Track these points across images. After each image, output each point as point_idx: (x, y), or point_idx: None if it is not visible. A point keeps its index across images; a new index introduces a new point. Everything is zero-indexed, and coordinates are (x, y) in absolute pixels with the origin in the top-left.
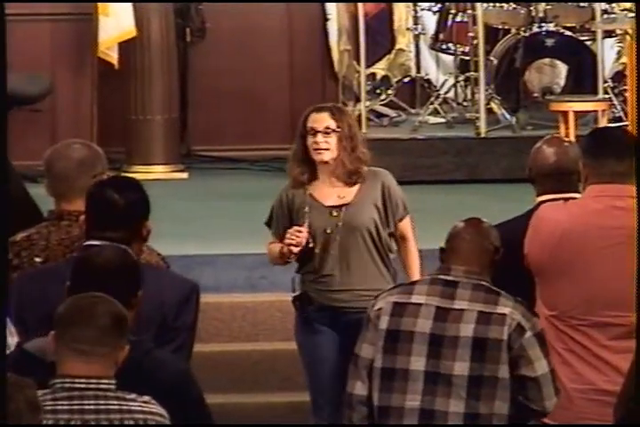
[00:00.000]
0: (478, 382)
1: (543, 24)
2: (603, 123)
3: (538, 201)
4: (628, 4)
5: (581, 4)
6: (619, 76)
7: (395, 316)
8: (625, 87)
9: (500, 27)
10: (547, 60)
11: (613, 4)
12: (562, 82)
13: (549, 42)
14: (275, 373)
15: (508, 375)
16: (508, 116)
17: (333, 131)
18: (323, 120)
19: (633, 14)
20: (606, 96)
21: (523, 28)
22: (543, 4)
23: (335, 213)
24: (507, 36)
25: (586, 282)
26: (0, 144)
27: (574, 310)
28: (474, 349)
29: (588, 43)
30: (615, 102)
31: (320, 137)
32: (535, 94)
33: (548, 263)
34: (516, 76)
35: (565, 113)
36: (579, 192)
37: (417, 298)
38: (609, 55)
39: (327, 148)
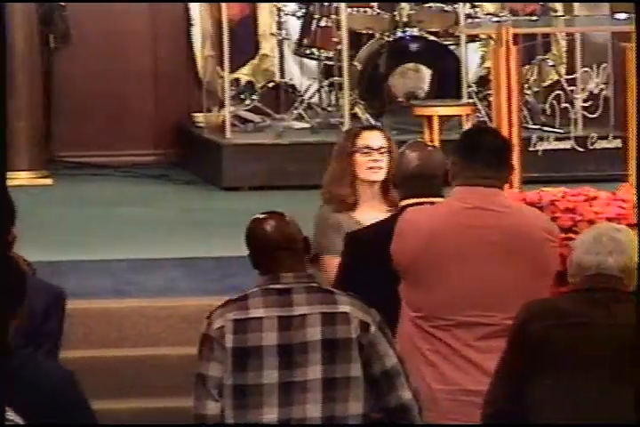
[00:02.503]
0: (332, 384)
1: (407, 29)
2: (467, 127)
3: (401, 205)
4: (491, 9)
5: (445, 9)
6: (482, 81)
7: (238, 333)
8: (489, 91)
9: (365, 31)
10: (411, 65)
11: (477, 9)
12: (426, 87)
13: (413, 47)
14: (140, 379)
15: (361, 374)
16: (372, 120)
17: (387, 150)
18: (377, 138)
19: (497, 18)
20: (470, 100)
21: (387, 33)
22: (407, 8)
23: None
24: (370, 41)
25: (451, 282)
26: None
27: (441, 310)
28: (324, 351)
29: (452, 47)
30: (479, 107)
31: (376, 155)
32: (399, 99)
33: (415, 264)
34: (381, 80)
35: (430, 118)
36: (442, 196)
37: (255, 312)
38: (473, 60)
39: (382, 166)
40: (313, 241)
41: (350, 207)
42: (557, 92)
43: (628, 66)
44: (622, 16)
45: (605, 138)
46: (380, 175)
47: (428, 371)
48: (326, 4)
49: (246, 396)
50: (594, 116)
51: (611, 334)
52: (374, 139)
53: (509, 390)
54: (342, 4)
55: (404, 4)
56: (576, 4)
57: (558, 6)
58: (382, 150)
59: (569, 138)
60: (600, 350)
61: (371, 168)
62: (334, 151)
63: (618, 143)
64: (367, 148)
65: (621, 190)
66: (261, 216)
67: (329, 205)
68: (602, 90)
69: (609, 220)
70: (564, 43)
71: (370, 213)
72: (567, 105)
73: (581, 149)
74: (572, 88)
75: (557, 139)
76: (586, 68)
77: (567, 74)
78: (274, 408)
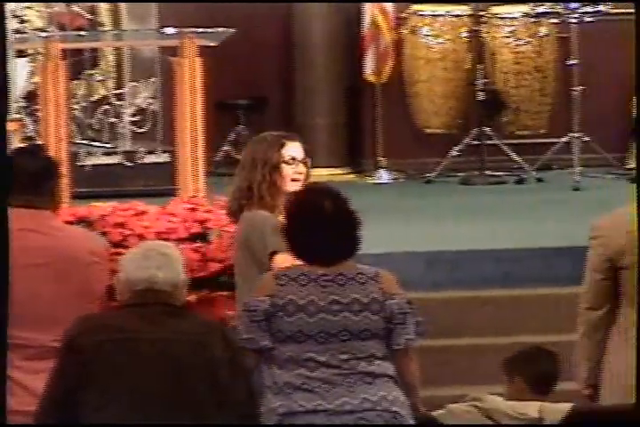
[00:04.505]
0: None
1: None
2: (15, 142)
3: None
4: (40, 24)
5: None
6: (31, 96)
7: None
8: (37, 107)
9: None
10: None
11: (26, 24)
12: None
13: None
14: None
15: None
16: None
17: (306, 161)
18: (299, 149)
19: (45, 33)
20: (18, 116)
21: None
22: None
23: None
24: None
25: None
26: (0, 144)
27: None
28: None
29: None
30: (27, 122)
31: (301, 167)
32: None
33: None
34: None
35: None
36: None
37: None
38: (21, 74)
39: (304, 178)
40: (263, 240)
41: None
42: (105, 106)
43: (175, 80)
44: (170, 31)
45: (154, 152)
46: (300, 186)
47: None
48: None
49: None
50: (142, 130)
51: (162, 349)
52: (299, 150)
53: (58, 406)
54: None
55: None
56: (124, 18)
57: (106, 20)
58: (305, 161)
59: (117, 153)
60: (151, 365)
61: (295, 180)
62: (257, 160)
63: (166, 158)
64: (293, 159)
65: (171, 205)
66: None
67: (260, 210)
68: (150, 104)
69: (159, 234)
70: (111, 57)
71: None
72: (115, 120)
73: (130, 164)
74: (120, 102)
75: (106, 153)
76: (134, 83)
77: (116, 88)
78: None
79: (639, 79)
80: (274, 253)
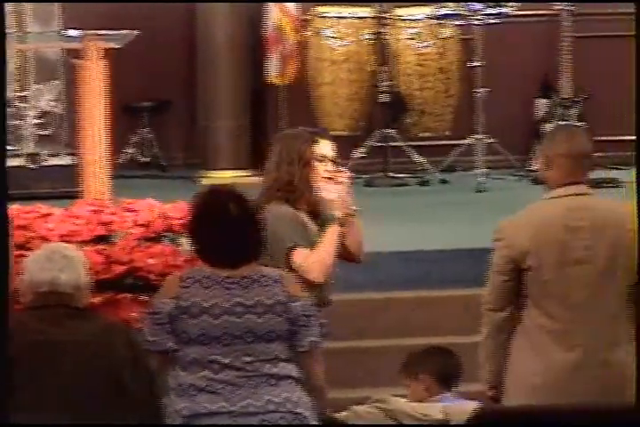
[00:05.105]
0: None
1: None
2: None
3: None
4: None
5: None
6: None
7: None
8: None
9: None
10: None
11: None
12: None
13: None
14: None
15: None
16: None
17: (335, 159)
18: (330, 148)
19: None
20: None
21: None
22: None
23: None
24: None
25: None
26: (0, 143)
27: None
28: None
29: None
30: None
31: (330, 165)
32: None
33: None
34: None
35: None
36: None
37: None
38: None
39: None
40: (285, 235)
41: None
42: (9, 109)
43: (79, 83)
44: (74, 33)
45: (58, 155)
46: (328, 184)
47: None
48: None
49: None
50: (46, 133)
51: (63, 351)
52: (330, 148)
53: None
54: None
55: None
56: (28, 20)
57: (11, 22)
58: (335, 160)
59: (20, 155)
60: (54, 366)
61: (329, 178)
62: (292, 156)
63: (70, 160)
64: (324, 157)
65: (75, 207)
66: None
67: (284, 204)
68: (54, 107)
69: (62, 236)
70: (15, 59)
71: (305, 217)
72: (19, 122)
73: (34, 166)
74: (24, 105)
75: (9, 156)
76: (38, 85)
77: (19, 91)
78: None
79: (639, 80)
80: (292, 248)
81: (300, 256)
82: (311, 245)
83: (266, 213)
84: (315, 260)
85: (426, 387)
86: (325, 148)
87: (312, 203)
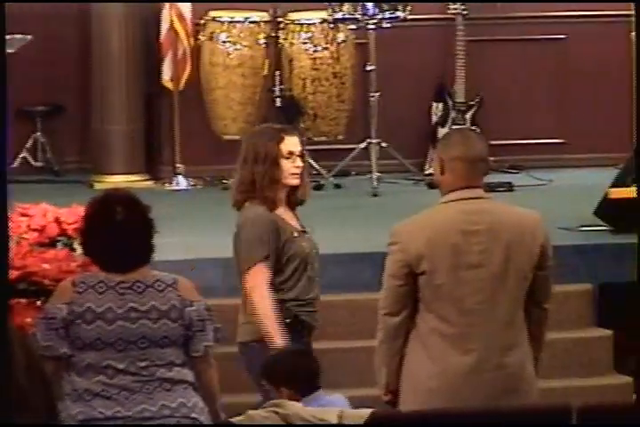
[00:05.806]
0: None
1: None
2: None
3: None
4: None
5: None
6: None
7: None
8: None
9: None
10: None
11: None
12: None
13: None
14: None
15: None
16: None
17: (303, 155)
18: (297, 143)
19: None
20: None
21: None
22: None
23: (305, 238)
24: None
25: None
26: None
27: None
28: None
29: None
30: None
31: (299, 161)
32: None
33: None
34: None
35: None
36: None
37: None
38: None
39: (302, 172)
40: (262, 241)
41: (274, 209)
42: None
43: None
44: None
45: None
46: (298, 180)
47: None
48: None
49: None
50: None
51: None
52: (296, 144)
53: None
54: None
55: None
56: None
57: None
58: (302, 155)
59: None
60: None
61: (294, 174)
62: (257, 154)
63: None
64: (291, 153)
65: None
66: None
67: (260, 205)
68: None
69: None
70: None
71: (284, 214)
72: None
73: None
74: None
75: None
76: None
77: None
78: None
79: (639, 80)
80: (250, 267)
81: (256, 277)
82: (288, 243)
83: (241, 216)
84: (259, 307)
85: (288, 397)
86: (293, 144)
87: (273, 200)
